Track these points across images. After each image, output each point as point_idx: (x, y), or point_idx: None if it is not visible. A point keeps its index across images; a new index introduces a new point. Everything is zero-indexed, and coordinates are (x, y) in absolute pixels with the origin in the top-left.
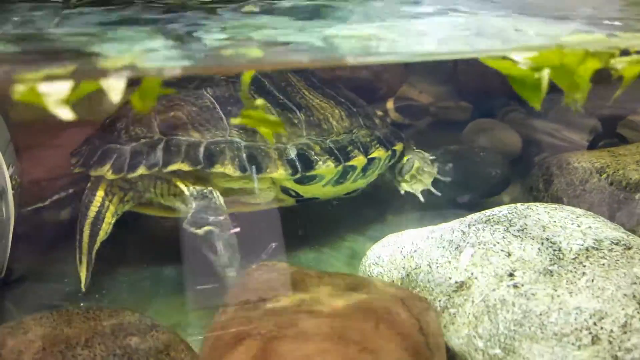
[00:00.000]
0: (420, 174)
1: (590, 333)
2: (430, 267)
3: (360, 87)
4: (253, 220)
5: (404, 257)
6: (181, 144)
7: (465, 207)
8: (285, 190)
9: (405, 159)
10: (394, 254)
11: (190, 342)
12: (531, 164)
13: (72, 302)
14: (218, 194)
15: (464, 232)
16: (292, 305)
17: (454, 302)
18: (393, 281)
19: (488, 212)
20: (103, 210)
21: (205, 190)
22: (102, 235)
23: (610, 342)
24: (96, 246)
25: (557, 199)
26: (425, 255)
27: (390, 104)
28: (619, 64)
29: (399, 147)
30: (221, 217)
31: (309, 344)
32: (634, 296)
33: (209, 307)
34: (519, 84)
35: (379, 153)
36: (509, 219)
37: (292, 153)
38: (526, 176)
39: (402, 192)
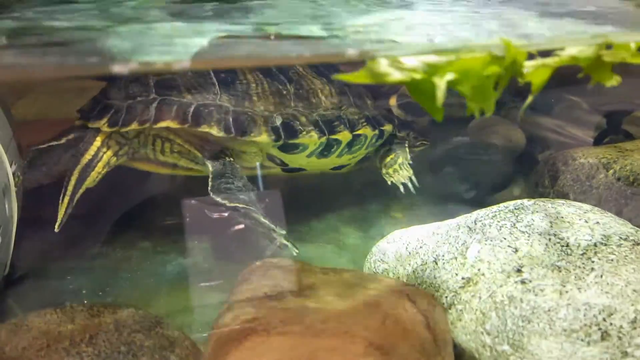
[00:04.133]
0: (401, 169)
1: (600, 329)
2: (437, 263)
3: (364, 84)
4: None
5: (410, 253)
6: (173, 104)
7: (471, 203)
8: (270, 158)
9: (392, 155)
10: (399, 250)
11: (195, 339)
12: (535, 161)
13: (76, 299)
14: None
15: (470, 228)
16: (298, 301)
17: (461, 298)
18: (399, 277)
19: (494, 208)
20: (96, 159)
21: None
22: (88, 182)
23: (619, 338)
24: (81, 191)
25: (563, 195)
26: (431, 252)
27: (393, 101)
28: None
29: (387, 127)
30: (242, 182)
31: (316, 339)
32: None
33: (213, 304)
34: (416, 92)
35: (365, 131)
36: (516, 214)
37: (278, 121)
38: (530, 172)
39: (389, 182)
